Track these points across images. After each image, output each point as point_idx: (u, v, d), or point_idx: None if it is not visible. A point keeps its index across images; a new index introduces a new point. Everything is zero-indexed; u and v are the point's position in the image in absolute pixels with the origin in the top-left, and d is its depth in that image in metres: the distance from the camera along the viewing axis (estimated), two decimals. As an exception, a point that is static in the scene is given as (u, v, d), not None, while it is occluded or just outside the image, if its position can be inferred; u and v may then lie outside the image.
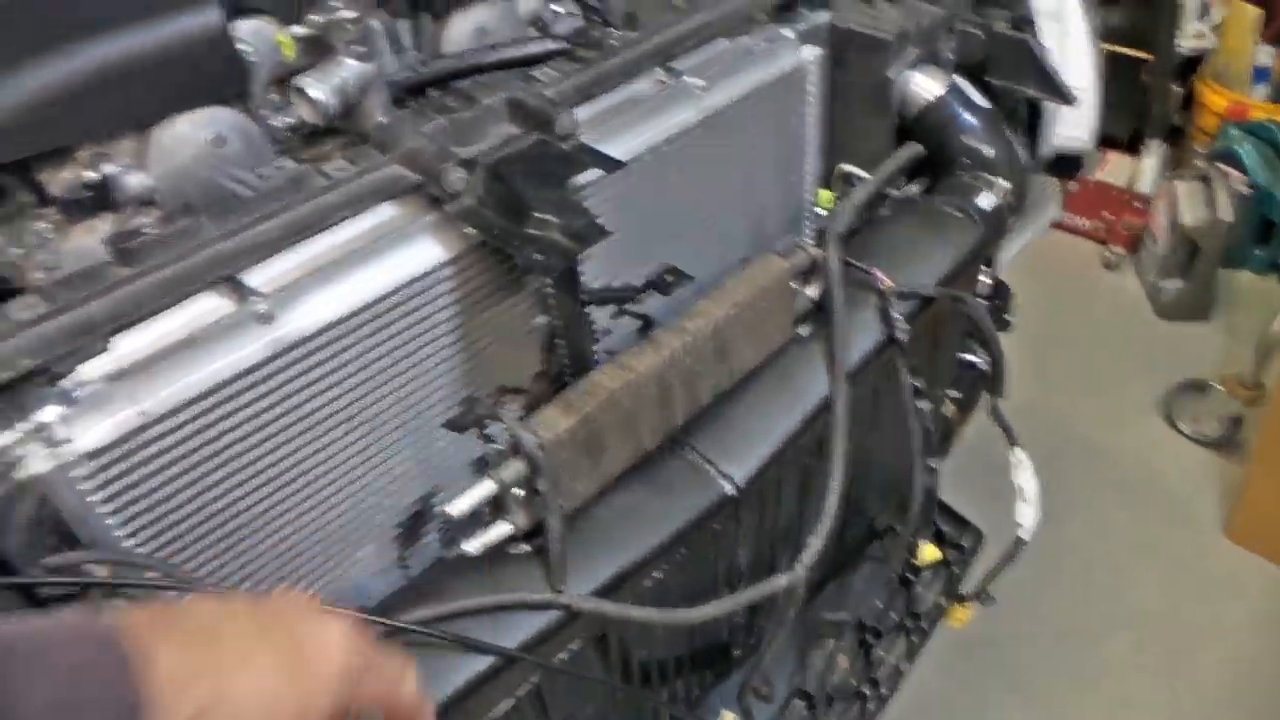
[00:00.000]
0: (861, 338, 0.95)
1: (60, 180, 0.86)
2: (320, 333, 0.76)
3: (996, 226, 1.19)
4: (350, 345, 0.78)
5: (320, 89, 0.93)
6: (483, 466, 0.97)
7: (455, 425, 0.83)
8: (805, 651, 1.35)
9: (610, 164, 0.80)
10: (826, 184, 1.26)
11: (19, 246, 0.89)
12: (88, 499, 0.68)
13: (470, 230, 0.82)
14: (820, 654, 1.34)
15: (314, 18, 0.93)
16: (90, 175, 0.85)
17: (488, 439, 0.96)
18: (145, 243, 0.73)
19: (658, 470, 0.84)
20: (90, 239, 0.91)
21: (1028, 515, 1.14)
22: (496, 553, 0.77)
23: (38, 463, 0.65)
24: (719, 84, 0.98)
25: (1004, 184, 1.18)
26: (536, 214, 0.76)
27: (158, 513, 0.72)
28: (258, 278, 0.76)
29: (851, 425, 0.91)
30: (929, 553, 1.33)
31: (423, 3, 1.01)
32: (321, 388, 0.78)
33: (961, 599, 1.34)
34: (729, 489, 0.86)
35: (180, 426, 0.71)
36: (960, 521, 1.47)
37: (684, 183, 0.99)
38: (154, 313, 0.71)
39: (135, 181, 0.88)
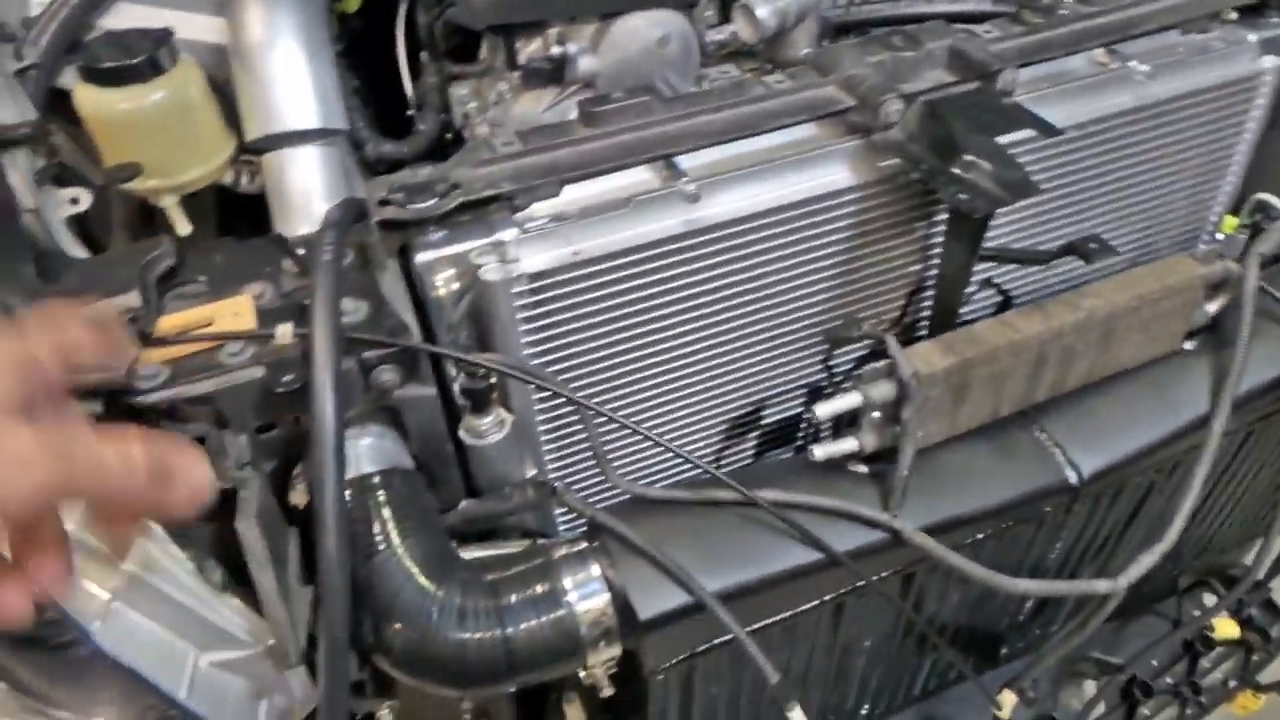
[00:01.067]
0: (1257, 369, 0.88)
1: (529, 49, 0.99)
2: (733, 222, 0.82)
3: None
4: (754, 241, 0.84)
5: (766, 9, 0.99)
6: (814, 396, 1.01)
7: (835, 338, 0.87)
8: (1059, 681, 1.29)
9: (1048, 129, 0.79)
10: (1235, 210, 1.16)
11: (478, 101, 1.03)
12: (517, 314, 0.79)
13: (885, 164, 0.85)
14: (1076, 690, 1.27)
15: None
16: (556, 50, 0.97)
17: (830, 370, 0.99)
18: (608, 111, 0.82)
19: (1006, 437, 0.84)
20: (535, 106, 1.03)
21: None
22: (833, 465, 0.80)
23: (490, 272, 0.76)
24: (1163, 75, 0.93)
25: None
26: (967, 157, 0.77)
27: (560, 340, 0.82)
28: (691, 162, 0.83)
29: (1218, 457, 0.86)
30: (1227, 628, 1.22)
31: (868, -59, 1.03)
32: (721, 272, 0.84)
33: (1258, 687, 1.22)
34: (1073, 478, 0.83)
35: (602, 273, 0.80)
36: (1273, 609, 1.33)
37: (1098, 168, 0.96)
38: (602, 172, 0.80)
39: (586, 64, 0.98)
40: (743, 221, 0.82)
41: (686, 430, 0.96)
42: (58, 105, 0.93)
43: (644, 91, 1.03)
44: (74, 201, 0.81)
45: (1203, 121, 0.98)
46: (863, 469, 0.80)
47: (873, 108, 0.82)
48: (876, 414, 0.78)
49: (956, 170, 0.77)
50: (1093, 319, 0.80)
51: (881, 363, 0.76)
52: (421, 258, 0.76)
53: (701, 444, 0.98)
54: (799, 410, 1.01)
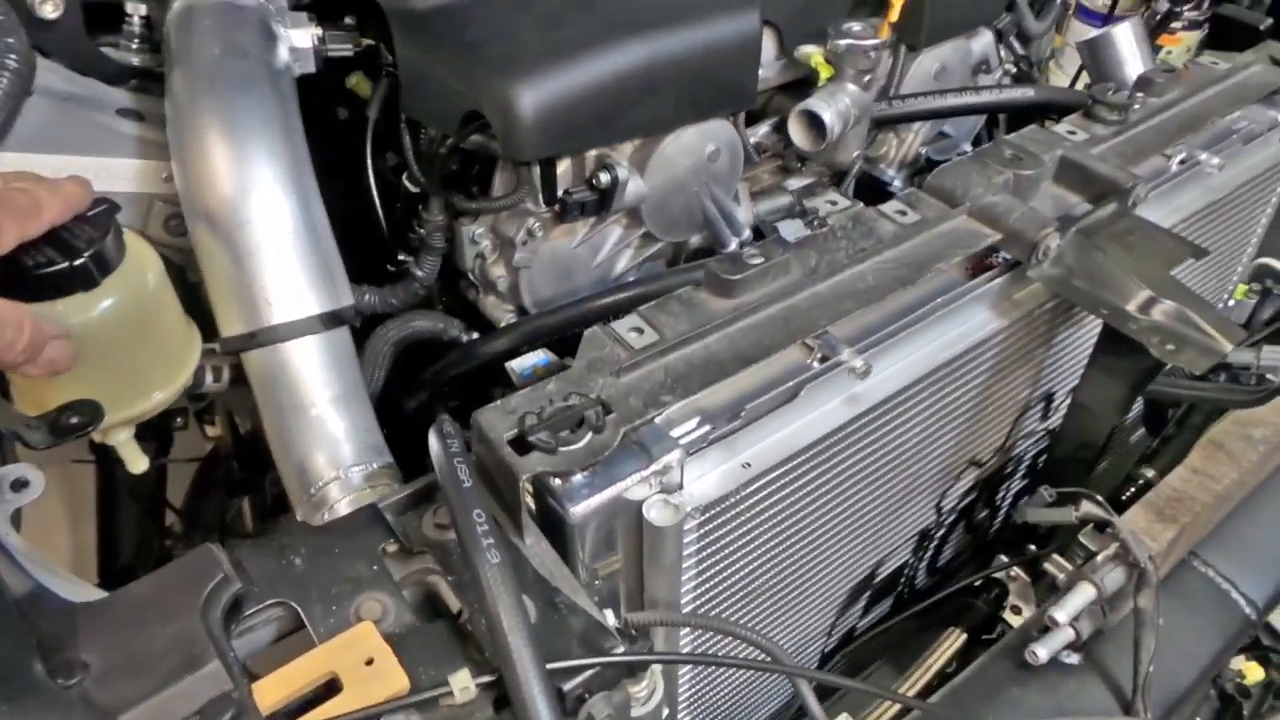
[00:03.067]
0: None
1: (564, 178, 0.80)
2: (895, 395, 0.69)
3: None
4: (905, 409, 0.71)
5: (830, 113, 0.86)
6: (922, 540, 0.91)
7: (1043, 519, 0.75)
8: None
9: (1200, 253, 0.73)
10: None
11: (493, 239, 0.84)
12: (683, 551, 0.62)
13: (1024, 293, 0.76)
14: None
15: (837, 42, 0.86)
16: (602, 177, 0.79)
17: (940, 510, 0.89)
18: (745, 277, 0.66)
19: (1181, 585, 0.77)
20: (567, 240, 0.85)
21: None
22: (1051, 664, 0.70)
23: (658, 513, 0.58)
24: (1230, 166, 0.90)
25: None
26: (1145, 293, 0.69)
27: (719, 568, 0.66)
28: (842, 330, 0.69)
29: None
30: (1253, 671, 1.25)
31: (906, 35, 0.94)
32: (873, 449, 0.71)
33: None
34: (1250, 613, 0.78)
35: (771, 484, 0.64)
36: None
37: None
38: (764, 356, 0.64)
39: (634, 189, 0.82)
40: (907, 389, 0.70)
41: (818, 608, 0.82)
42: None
43: (694, 214, 0.88)
44: (20, 486, 0.54)
45: (1244, 203, 0.97)
46: (1076, 658, 0.70)
47: (1028, 244, 0.72)
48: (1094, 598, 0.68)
49: (1135, 311, 0.69)
50: (1271, 450, 0.75)
51: (1110, 548, 0.66)
52: (578, 512, 0.56)
53: (826, 617, 0.85)
54: (905, 559, 0.90)
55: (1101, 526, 0.66)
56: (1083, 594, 0.66)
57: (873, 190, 1.06)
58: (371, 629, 0.49)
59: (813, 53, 0.86)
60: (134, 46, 0.80)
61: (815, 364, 0.66)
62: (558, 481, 0.57)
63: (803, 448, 0.64)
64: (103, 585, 0.53)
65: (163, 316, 0.65)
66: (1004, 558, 0.82)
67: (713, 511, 0.62)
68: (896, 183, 1.07)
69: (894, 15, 0.89)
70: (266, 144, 0.68)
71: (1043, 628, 0.69)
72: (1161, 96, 0.90)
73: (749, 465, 0.62)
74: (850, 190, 1.01)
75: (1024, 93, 0.95)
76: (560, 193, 0.79)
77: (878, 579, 0.88)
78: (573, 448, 0.55)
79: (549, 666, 0.47)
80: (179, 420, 1.03)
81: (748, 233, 0.90)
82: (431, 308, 0.90)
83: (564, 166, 0.80)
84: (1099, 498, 0.67)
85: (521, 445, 0.55)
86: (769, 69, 0.89)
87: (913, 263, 0.70)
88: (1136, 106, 0.88)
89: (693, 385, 0.60)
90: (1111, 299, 0.70)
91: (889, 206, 0.75)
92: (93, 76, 0.77)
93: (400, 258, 0.85)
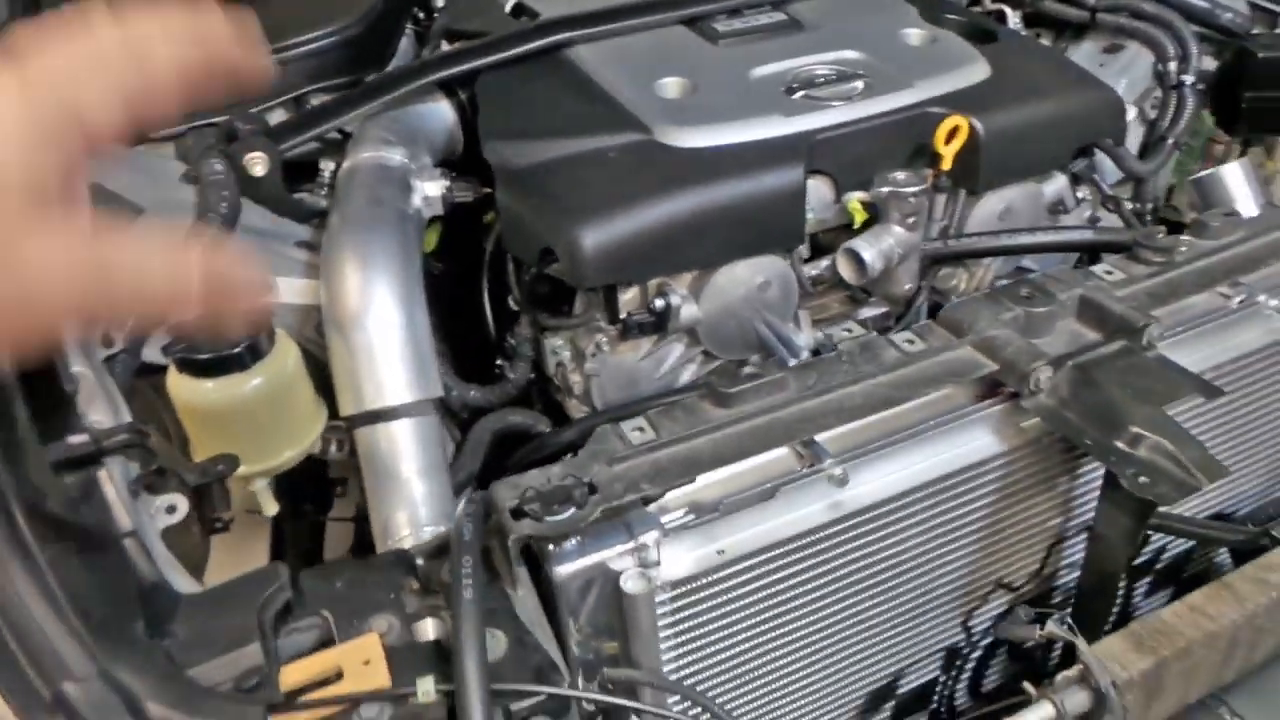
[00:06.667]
0: None
1: (628, 302, 0.95)
2: (880, 504, 0.76)
3: None
4: (897, 520, 0.78)
5: (872, 253, 0.96)
6: (952, 658, 0.93)
7: (1011, 637, 0.79)
8: None
9: (1211, 392, 0.75)
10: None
11: (571, 350, 0.99)
12: (657, 621, 0.72)
13: (1029, 424, 0.80)
14: None
15: (881, 189, 0.97)
16: (658, 303, 0.93)
17: (969, 630, 0.91)
18: (742, 391, 0.77)
19: (1197, 728, 0.76)
20: (633, 355, 0.99)
21: None
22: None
23: (632, 583, 0.69)
24: (1291, 306, 0.90)
25: None
26: (1133, 429, 0.72)
27: (702, 641, 0.75)
28: (829, 438, 0.77)
29: None
30: None
31: (963, 180, 1.02)
32: (866, 552, 0.78)
33: None
34: (1280, 774, 0.75)
35: (746, 571, 0.73)
36: None
37: (1226, 407, 0.91)
38: (740, 458, 0.75)
39: (688, 313, 0.95)
40: (891, 501, 0.76)
41: (825, 709, 0.87)
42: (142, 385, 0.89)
43: (748, 336, 1.00)
44: (170, 510, 0.75)
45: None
46: (1051, 784, 0.71)
47: (1020, 374, 0.77)
48: (1066, 723, 0.70)
49: (1122, 445, 0.72)
50: (1286, 598, 0.73)
51: (1073, 670, 0.69)
52: (560, 571, 0.69)
53: (841, 705, 0.89)
54: (934, 675, 0.93)
55: (1068, 649, 0.69)
56: (1040, 711, 0.68)
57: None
58: (375, 639, 0.64)
59: (854, 199, 0.97)
60: (323, 194, 1.05)
61: (797, 468, 0.75)
62: (551, 546, 0.70)
63: (777, 542, 0.73)
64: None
65: (297, 395, 0.86)
66: (1027, 684, 0.83)
67: (685, 588, 0.71)
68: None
69: (945, 165, 0.98)
70: (386, 272, 0.89)
71: (1015, 746, 0.71)
72: (1219, 239, 0.92)
73: (723, 552, 0.72)
74: (920, 317, 1.09)
75: (1076, 235, 1.00)
76: (624, 315, 0.94)
77: (901, 690, 0.91)
78: (556, 519, 0.68)
79: (494, 686, 0.59)
80: (339, 488, 1.27)
81: (806, 354, 1.00)
82: (530, 407, 1.07)
83: (631, 293, 0.95)
84: (1068, 620, 0.70)
85: (519, 514, 0.69)
86: (826, 211, 1.00)
87: (905, 385, 0.78)
88: (1183, 249, 0.90)
89: (671, 478, 0.71)
90: (1096, 433, 0.74)
91: (899, 336, 0.84)
92: (290, 217, 1.03)
93: (498, 363, 1.03)
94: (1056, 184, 1.10)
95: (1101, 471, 0.83)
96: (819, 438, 0.77)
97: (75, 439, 0.71)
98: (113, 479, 0.73)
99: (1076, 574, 0.93)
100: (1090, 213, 1.16)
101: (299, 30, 1.11)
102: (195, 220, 0.92)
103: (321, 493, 1.24)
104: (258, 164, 0.98)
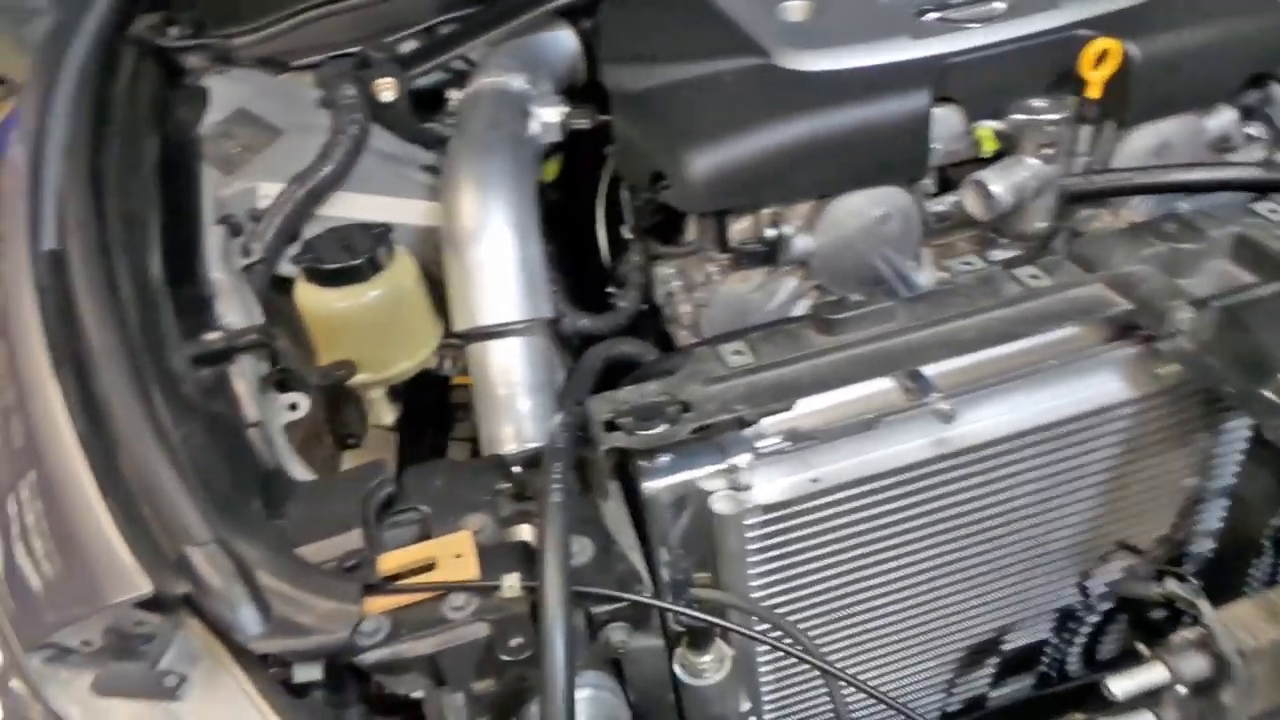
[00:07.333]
0: None
1: (740, 231, 0.93)
2: (992, 443, 0.72)
3: None
4: (1012, 461, 0.74)
5: (1002, 185, 0.90)
6: (1065, 620, 0.89)
7: (1130, 595, 0.75)
8: None
9: (1382, 339, 0.67)
10: None
11: (682, 280, 0.99)
12: (747, 545, 0.71)
13: (1165, 371, 0.74)
14: None
15: (1016, 117, 0.91)
16: (770, 232, 0.91)
17: (1085, 591, 0.86)
18: (847, 319, 0.75)
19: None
20: (744, 286, 0.97)
21: None
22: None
23: (722, 503, 0.69)
24: None
25: None
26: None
27: (792, 571, 0.74)
28: (937, 370, 0.74)
29: None
30: None
31: (1113, 110, 0.94)
32: (973, 495, 0.75)
33: None
34: None
35: (841, 501, 0.71)
36: None
37: None
38: (840, 384, 0.73)
39: (801, 245, 0.92)
40: (1002, 442, 0.73)
41: (923, 657, 0.85)
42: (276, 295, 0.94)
43: (865, 271, 0.96)
44: (293, 407, 0.80)
45: None
46: (1161, 750, 0.67)
47: (1156, 314, 0.71)
48: (1183, 689, 0.65)
49: (1270, 395, 0.66)
50: None
51: (1192, 632, 0.64)
52: (649, 486, 0.69)
53: (938, 671, 0.87)
54: (1044, 636, 0.88)
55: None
56: (1151, 673, 0.63)
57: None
58: (468, 535, 0.66)
59: (985, 128, 0.91)
60: (448, 123, 1.08)
61: (902, 401, 0.72)
62: (642, 462, 0.70)
63: (875, 474, 0.71)
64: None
65: (413, 309, 0.90)
66: (1141, 645, 0.78)
67: (776, 514, 0.70)
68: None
69: (1092, 92, 0.91)
70: (501, 194, 0.90)
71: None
72: None
73: (817, 480, 0.71)
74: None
75: (1240, 172, 0.90)
76: (735, 244, 0.92)
77: (1005, 648, 0.87)
78: (647, 434, 0.68)
79: (577, 588, 0.61)
80: (461, 411, 1.32)
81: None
82: (641, 336, 1.07)
83: (743, 222, 0.93)
84: (1192, 580, 0.65)
85: (612, 426, 0.69)
86: (954, 142, 0.95)
87: (1024, 321, 0.74)
88: (1366, 188, 0.80)
89: (767, 401, 0.70)
90: (1241, 381, 0.67)
91: (1023, 270, 0.79)
92: (416, 143, 1.07)
93: (609, 290, 1.04)
94: (1222, 118, 1.00)
95: (1247, 426, 0.76)
96: (926, 370, 0.74)
97: (211, 336, 0.77)
98: (244, 375, 0.79)
99: (1212, 545, 0.87)
100: (1265, 154, 1.05)
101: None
102: (326, 141, 0.97)
103: (444, 413, 1.29)
104: (387, 90, 1.01)
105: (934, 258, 1.01)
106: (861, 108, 0.86)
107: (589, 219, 1.07)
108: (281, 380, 0.81)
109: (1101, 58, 0.88)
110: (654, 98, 0.91)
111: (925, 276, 0.97)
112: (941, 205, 1.00)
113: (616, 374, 1.02)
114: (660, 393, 0.71)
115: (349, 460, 1.06)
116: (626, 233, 1.03)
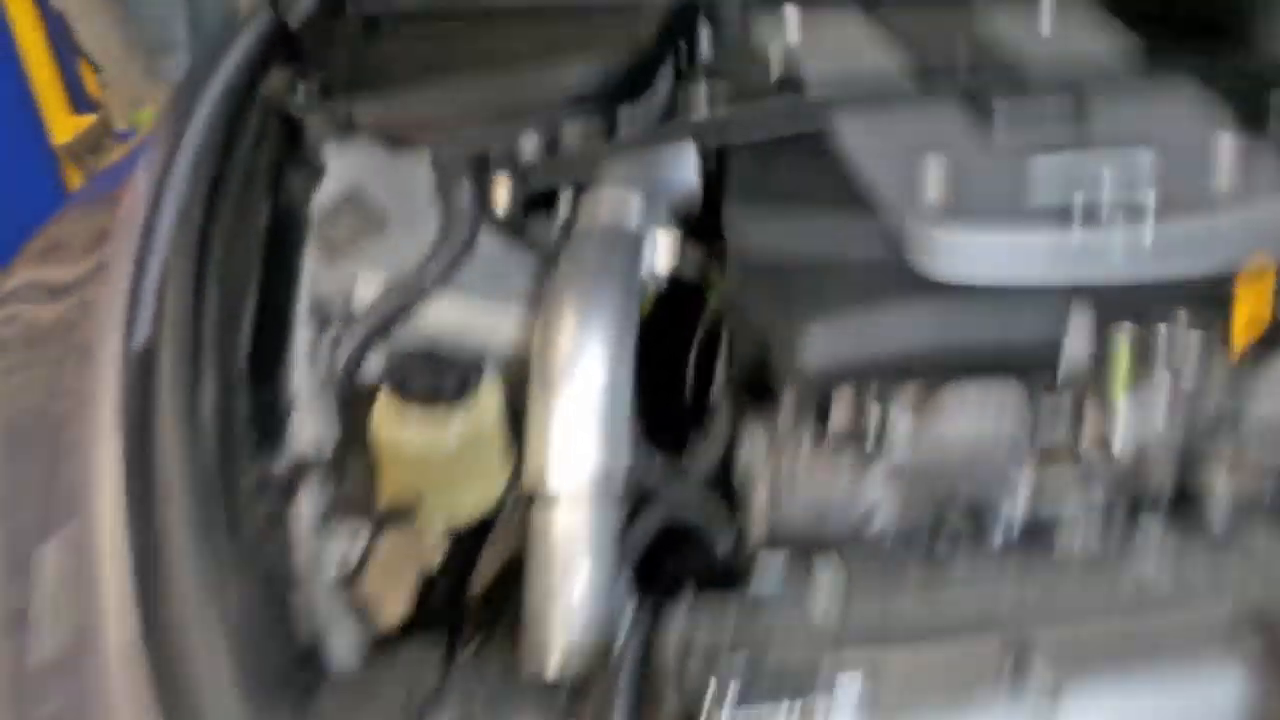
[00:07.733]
0: None
1: (840, 414, 0.88)
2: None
3: None
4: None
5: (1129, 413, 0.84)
6: None
7: None
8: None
9: None
10: None
11: (766, 455, 0.93)
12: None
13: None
14: None
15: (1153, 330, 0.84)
16: (874, 413, 0.86)
17: None
18: (951, 559, 0.69)
19: None
20: (827, 481, 0.89)
21: None
22: None
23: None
24: None
25: None
26: None
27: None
28: (1045, 641, 0.68)
29: None
30: None
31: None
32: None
33: None
34: None
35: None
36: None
37: None
38: (939, 639, 0.66)
39: (903, 439, 0.87)
40: (1108, 732, 0.66)
41: None
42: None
43: (957, 486, 0.89)
44: (354, 535, 0.77)
45: None
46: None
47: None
48: None
49: None
50: None
51: None
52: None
53: None
54: None
55: None
56: None
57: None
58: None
59: (1121, 337, 0.85)
60: (557, 224, 1.04)
61: (1000, 670, 0.66)
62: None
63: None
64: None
65: (489, 453, 0.86)
66: None
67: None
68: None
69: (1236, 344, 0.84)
70: (602, 339, 0.86)
71: None
72: None
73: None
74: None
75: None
76: (834, 429, 0.87)
77: None
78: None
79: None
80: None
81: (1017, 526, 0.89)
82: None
83: (844, 404, 0.88)
84: None
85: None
86: (1079, 349, 0.88)
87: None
88: None
89: (856, 642, 0.65)
90: None
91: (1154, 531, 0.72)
92: (521, 248, 1.03)
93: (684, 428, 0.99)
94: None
95: None
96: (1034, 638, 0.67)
97: (280, 464, 0.74)
98: (306, 502, 0.76)
99: None
100: None
101: (563, 54, 1.11)
102: (434, 242, 0.95)
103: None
104: (502, 198, 0.98)
105: (1030, 480, 0.93)
106: (997, 321, 0.81)
107: (676, 353, 1.03)
108: (342, 512, 0.78)
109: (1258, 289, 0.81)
110: (777, 262, 0.87)
111: (1020, 506, 0.89)
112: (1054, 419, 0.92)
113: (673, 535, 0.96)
114: (737, 644, 0.66)
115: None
116: (718, 376, 0.99)
